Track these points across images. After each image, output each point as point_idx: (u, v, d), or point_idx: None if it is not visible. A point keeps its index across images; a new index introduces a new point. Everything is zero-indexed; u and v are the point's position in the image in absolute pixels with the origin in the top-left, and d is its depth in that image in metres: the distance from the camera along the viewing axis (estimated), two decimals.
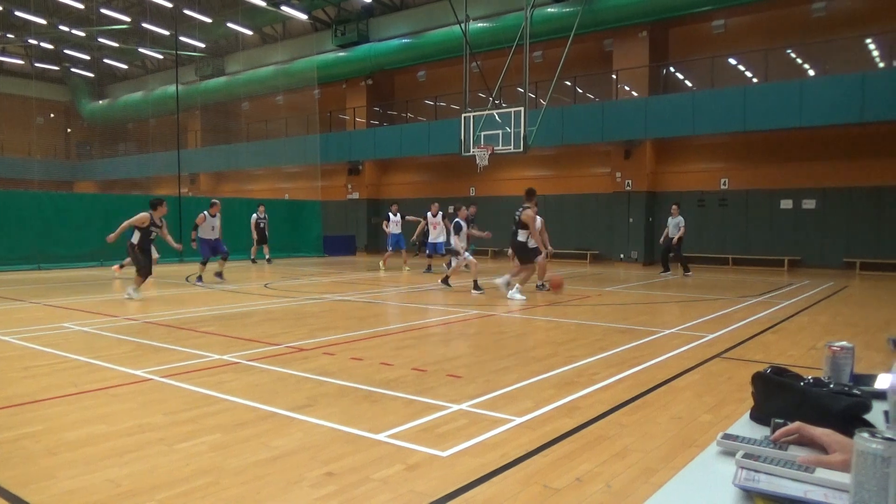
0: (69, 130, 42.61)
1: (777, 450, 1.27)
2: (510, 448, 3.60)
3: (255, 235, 19.25)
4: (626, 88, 20.96)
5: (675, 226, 15.83)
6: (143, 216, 10.53)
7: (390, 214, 17.41)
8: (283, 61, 29.16)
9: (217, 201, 14.88)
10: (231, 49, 32.55)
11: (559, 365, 5.78)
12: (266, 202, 24.11)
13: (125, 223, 10.56)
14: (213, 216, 14.27)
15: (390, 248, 17.53)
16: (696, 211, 20.08)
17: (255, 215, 19.32)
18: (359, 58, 26.30)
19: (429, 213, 16.56)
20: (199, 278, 13.75)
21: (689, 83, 21.20)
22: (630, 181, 20.52)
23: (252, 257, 19.59)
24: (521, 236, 11.10)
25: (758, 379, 1.58)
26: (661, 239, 16.49)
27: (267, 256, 19.80)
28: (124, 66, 39.03)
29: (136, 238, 10.49)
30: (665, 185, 20.78)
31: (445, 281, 12.60)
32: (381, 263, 17.73)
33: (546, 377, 5.31)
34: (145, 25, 28.69)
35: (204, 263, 14.00)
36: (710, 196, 19.88)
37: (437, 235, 16.51)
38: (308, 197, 25.99)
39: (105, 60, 37.65)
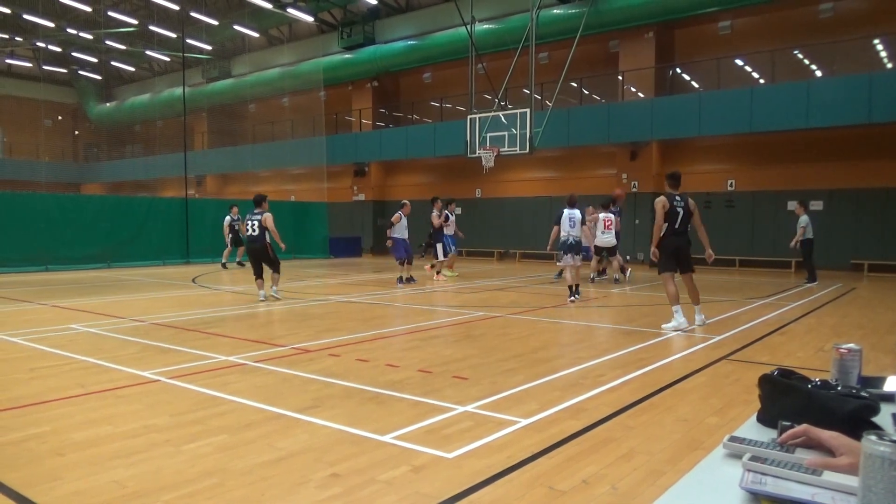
0: (77, 132, 42.87)
1: (784, 452, 1.27)
2: (516, 450, 3.59)
3: (228, 239, 18.06)
4: (632, 89, 20.93)
5: (799, 226, 14.27)
6: (271, 216, 10.79)
7: (449, 214, 15.25)
8: (290, 63, 29.26)
9: (407, 202, 14.72)
10: (237, 51, 32.69)
11: (565, 367, 5.76)
12: (270, 204, 24.21)
13: (273, 228, 10.68)
14: (406, 216, 14.16)
15: (453, 249, 15.59)
16: (702, 212, 20.00)
17: (228, 217, 18.09)
18: (365, 60, 26.36)
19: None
20: (401, 279, 13.74)
21: (695, 84, 21.15)
22: (636, 182, 20.49)
23: (224, 261, 18.35)
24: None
25: (765, 381, 1.57)
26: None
27: (238, 260, 18.54)
28: (131, 69, 39.25)
29: (268, 237, 10.75)
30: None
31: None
32: (449, 269, 15.81)
33: (552, 379, 5.30)
34: (152, 28, 28.86)
35: (402, 263, 13.82)
36: (717, 197, 19.81)
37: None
38: (314, 198, 26.05)
39: (112, 63, 37.90)
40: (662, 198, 8.22)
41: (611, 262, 14.36)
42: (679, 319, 7.95)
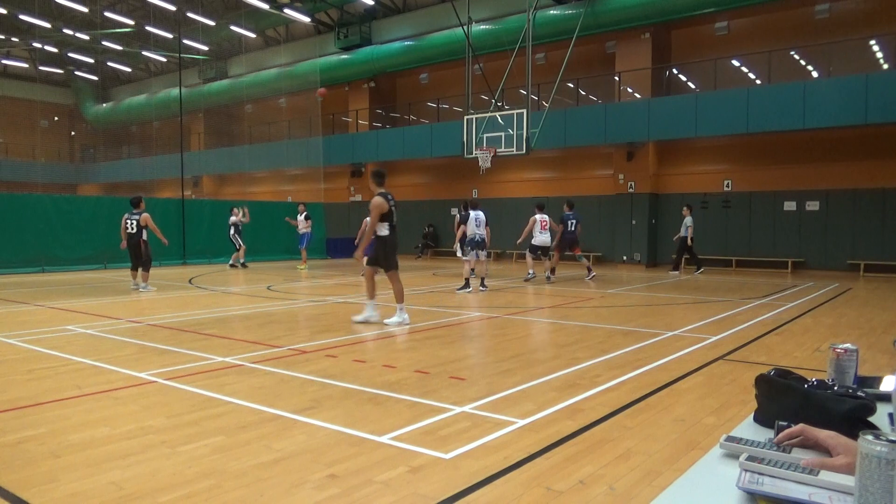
0: (73, 133, 42.76)
1: (781, 452, 1.27)
2: (513, 450, 3.59)
3: (237, 239, 18.57)
4: (629, 90, 20.96)
5: (686, 226, 16.96)
6: (149, 216, 12.46)
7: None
8: (286, 64, 29.23)
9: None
10: (234, 52, 32.65)
11: (562, 367, 5.77)
12: (269, 205, 24.22)
13: (153, 226, 12.35)
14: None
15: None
16: (699, 213, 20.06)
17: (233, 217, 18.55)
18: (361, 60, 26.35)
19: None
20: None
21: (691, 85, 21.19)
22: (633, 183, 20.52)
23: (238, 262, 18.71)
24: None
25: (762, 381, 1.58)
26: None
27: (232, 262, 18.82)
28: (128, 69, 39.17)
29: (144, 235, 12.41)
30: (668, 187, 20.76)
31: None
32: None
33: (548, 379, 5.30)
34: (149, 28, 28.81)
35: None
36: (714, 198, 19.85)
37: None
38: (311, 199, 26.01)
39: (109, 63, 37.80)
40: (380, 199, 8.15)
41: (542, 260, 14.94)
42: (371, 312, 8.31)
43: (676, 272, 17.21)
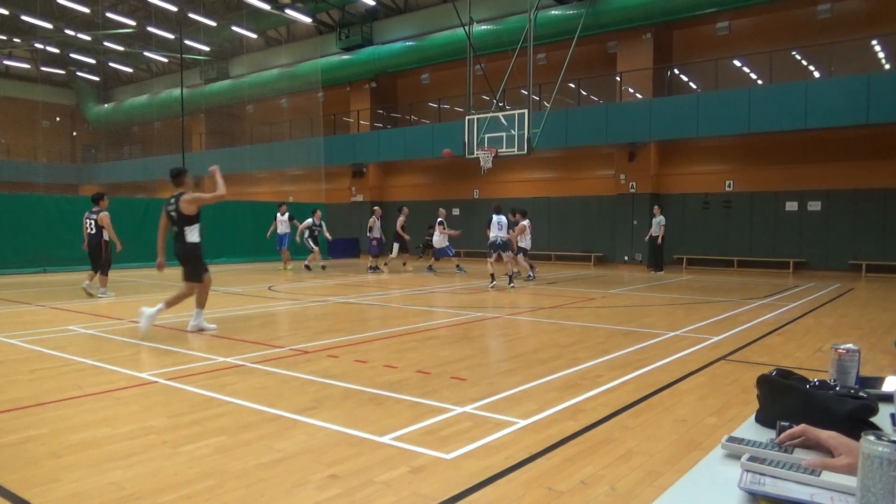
0: (75, 134, 42.81)
1: (782, 453, 1.27)
2: (514, 451, 3.59)
3: (308, 242, 18.32)
4: (630, 90, 20.95)
5: (660, 224, 17.69)
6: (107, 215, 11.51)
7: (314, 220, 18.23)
8: (288, 64, 29.24)
9: (378, 208, 18.75)
10: (235, 52, 32.67)
11: (563, 367, 5.76)
12: (267, 205, 24.20)
13: (109, 226, 11.34)
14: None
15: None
16: (700, 213, 20.05)
17: (309, 220, 18.36)
18: (363, 60, 26.36)
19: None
20: (375, 268, 17.36)
21: (693, 85, 21.18)
22: (634, 183, 20.51)
23: (319, 263, 18.65)
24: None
25: (763, 381, 1.57)
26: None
27: (307, 264, 18.69)
28: (129, 70, 39.21)
29: (105, 236, 11.42)
30: (669, 188, 20.75)
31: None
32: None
33: (550, 380, 5.30)
34: (150, 29, 28.85)
35: (376, 256, 17.80)
36: (715, 198, 19.84)
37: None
38: (312, 200, 26.03)
39: (110, 64, 37.85)
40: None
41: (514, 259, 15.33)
42: (199, 319, 7.80)
43: (661, 271, 17.94)
